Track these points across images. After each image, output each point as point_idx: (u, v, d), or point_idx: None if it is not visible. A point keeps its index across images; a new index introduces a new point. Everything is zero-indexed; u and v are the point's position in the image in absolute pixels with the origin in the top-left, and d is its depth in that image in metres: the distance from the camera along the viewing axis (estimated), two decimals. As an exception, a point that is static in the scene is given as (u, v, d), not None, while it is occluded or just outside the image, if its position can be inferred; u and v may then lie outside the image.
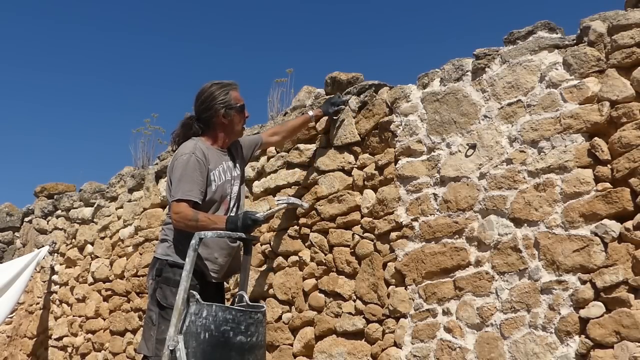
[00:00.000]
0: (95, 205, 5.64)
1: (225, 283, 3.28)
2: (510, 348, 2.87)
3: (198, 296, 2.71)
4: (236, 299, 3.01)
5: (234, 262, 3.15)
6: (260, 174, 4.23)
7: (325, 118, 3.88)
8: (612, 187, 2.70)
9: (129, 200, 5.28)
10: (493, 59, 3.16)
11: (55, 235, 6.11)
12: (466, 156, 3.18)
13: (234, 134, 3.20)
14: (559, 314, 2.75)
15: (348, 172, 3.72)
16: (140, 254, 5.01)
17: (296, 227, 3.91)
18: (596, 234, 2.70)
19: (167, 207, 3.15)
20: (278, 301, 3.92)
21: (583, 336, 2.66)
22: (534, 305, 2.83)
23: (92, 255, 5.59)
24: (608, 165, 2.72)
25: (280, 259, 3.96)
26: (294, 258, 3.89)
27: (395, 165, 3.46)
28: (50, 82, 20.10)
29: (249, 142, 3.49)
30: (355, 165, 3.69)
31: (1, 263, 6.40)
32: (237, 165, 3.24)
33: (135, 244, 5.10)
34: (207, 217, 2.92)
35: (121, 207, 5.37)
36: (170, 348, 2.64)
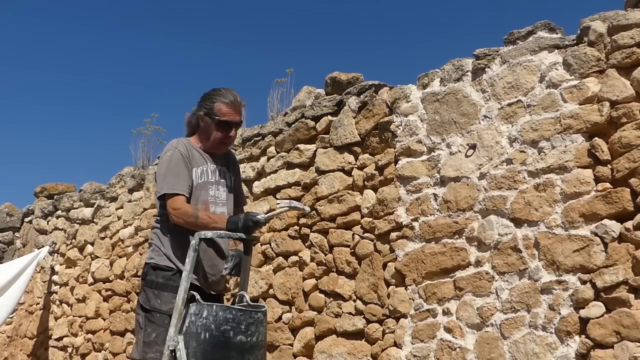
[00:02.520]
0: (95, 206, 5.63)
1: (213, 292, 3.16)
2: (510, 348, 2.87)
3: (198, 297, 2.71)
4: (236, 299, 3.01)
5: (219, 274, 3.10)
6: (260, 174, 4.23)
7: (326, 118, 3.89)
8: (612, 187, 2.70)
9: (129, 201, 5.28)
10: (493, 59, 3.16)
11: (55, 236, 6.11)
12: (466, 156, 3.18)
13: (209, 142, 3.07)
14: (559, 314, 2.75)
15: (348, 172, 3.72)
16: (140, 254, 5.01)
17: (296, 227, 3.91)
18: (596, 234, 2.70)
19: (157, 210, 3.12)
20: (278, 301, 3.92)
21: (583, 336, 2.66)
22: (534, 305, 2.83)
23: (92, 256, 5.59)
24: (608, 165, 2.72)
25: (280, 259, 3.96)
26: (294, 258, 3.89)
27: (396, 165, 3.46)
28: (50, 82, 20.09)
29: (239, 189, 3.36)
30: (355, 166, 3.70)
31: (1, 263, 6.39)
32: (229, 175, 3.21)
33: (135, 244, 5.10)
34: (208, 215, 2.91)
35: (121, 207, 5.37)
36: (171, 348, 2.64)
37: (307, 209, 3.25)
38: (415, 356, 3.18)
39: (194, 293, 2.72)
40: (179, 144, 3.03)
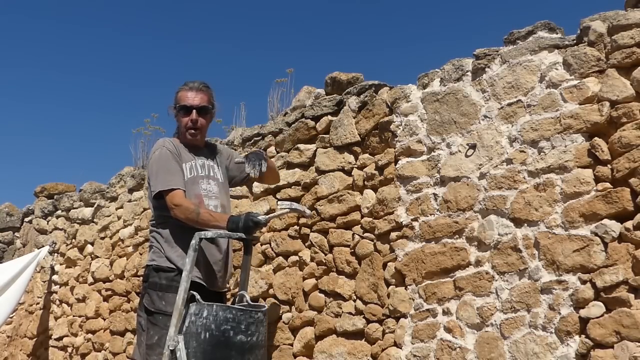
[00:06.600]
0: (95, 206, 5.63)
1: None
2: (510, 348, 2.87)
3: (198, 296, 2.71)
4: (236, 299, 3.01)
5: (223, 270, 3.10)
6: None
7: (326, 118, 3.89)
8: (612, 187, 2.70)
9: (129, 201, 5.28)
10: (493, 59, 3.16)
11: (55, 236, 6.11)
12: (466, 156, 3.18)
13: (183, 133, 3.13)
14: (559, 313, 2.75)
15: (348, 172, 3.72)
16: (141, 254, 5.01)
17: (296, 227, 3.91)
18: (596, 234, 2.70)
19: (152, 212, 3.12)
20: (278, 301, 3.92)
21: (583, 336, 2.67)
22: (534, 305, 2.83)
23: (92, 255, 5.59)
24: (608, 165, 2.72)
25: (280, 258, 3.96)
26: (294, 258, 3.89)
27: (395, 165, 3.46)
28: (50, 82, 20.11)
29: (239, 162, 3.43)
30: (355, 165, 3.70)
31: (1, 263, 6.39)
32: (218, 168, 3.22)
33: (135, 244, 5.10)
34: (210, 213, 2.91)
35: (121, 207, 5.37)
36: (171, 348, 2.65)
37: (309, 212, 3.25)
38: (415, 356, 3.18)
39: (194, 293, 2.72)
40: (165, 142, 3.07)
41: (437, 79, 3.39)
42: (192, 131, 3.11)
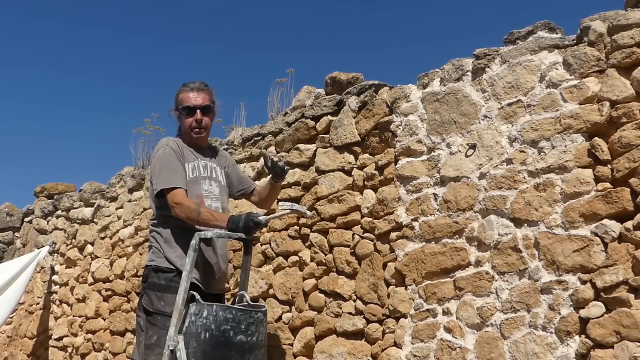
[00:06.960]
0: (95, 206, 5.63)
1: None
2: (510, 348, 2.87)
3: (198, 297, 2.71)
4: (236, 299, 3.01)
5: (220, 272, 3.10)
6: (261, 174, 4.23)
7: (326, 118, 3.89)
8: (612, 187, 2.70)
9: (129, 201, 5.28)
10: (493, 59, 3.16)
11: (55, 236, 6.11)
12: (466, 156, 3.18)
13: (186, 134, 3.15)
14: (559, 314, 2.75)
15: (348, 172, 3.72)
16: (141, 254, 5.01)
17: (296, 227, 3.91)
18: (596, 234, 2.70)
19: (153, 211, 3.12)
20: (278, 301, 3.92)
21: (583, 336, 2.66)
22: (534, 305, 2.83)
23: (92, 256, 5.59)
24: (608, 165, 2.72)
25: (280, 258, 3.96)
26: (294, 258, 3.89)
27: (395, 165, 3.46)
28: (50, 82, 20.13)
29: (239, 174, 3.42)
30: (355, 165, 3.70)
31: (1, 263, 6.39)
32: (220, 171, 3.22)
33: (135, 244, 5.10)
34: (210, 212, 2.91)
35: (121, 207, 5.37)
36: (171, 348, 2.64)
37: (309, 213, 3.25)
38: (415, 356, 3.18)
39: (194, 293, 2.72)
40: (169, 141, 3.07)
41: (437, 79, 3.39)
42: (197, 130, 3.12)
